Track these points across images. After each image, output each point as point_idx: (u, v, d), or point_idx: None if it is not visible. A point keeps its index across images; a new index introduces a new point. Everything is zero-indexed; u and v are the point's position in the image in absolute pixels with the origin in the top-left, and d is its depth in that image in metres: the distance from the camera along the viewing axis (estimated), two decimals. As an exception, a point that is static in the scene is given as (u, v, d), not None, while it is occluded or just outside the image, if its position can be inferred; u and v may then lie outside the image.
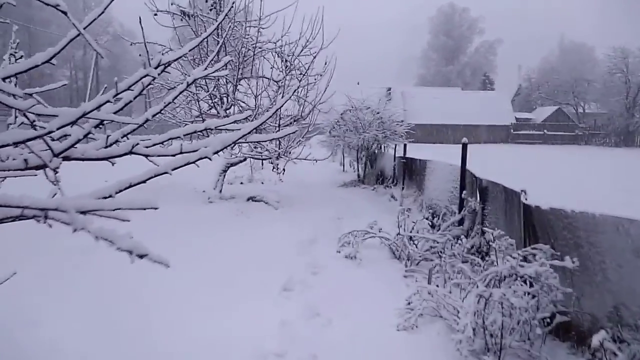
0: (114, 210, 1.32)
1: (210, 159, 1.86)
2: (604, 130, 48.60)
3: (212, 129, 2.10)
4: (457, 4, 73.49)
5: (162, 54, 2.01)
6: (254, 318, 4.09)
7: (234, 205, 8.78)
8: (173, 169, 1.80)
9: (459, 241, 5.52)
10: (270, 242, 6.58)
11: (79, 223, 1.22)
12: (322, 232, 7.29)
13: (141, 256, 1.26)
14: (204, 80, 9.91)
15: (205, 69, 2.44)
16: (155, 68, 1.71)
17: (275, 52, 10.26)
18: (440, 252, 5.34)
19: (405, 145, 10.35)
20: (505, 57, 74.48)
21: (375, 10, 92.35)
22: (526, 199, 4.09)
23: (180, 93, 2.36)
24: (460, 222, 6.05)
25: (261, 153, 8.98)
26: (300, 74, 9.71)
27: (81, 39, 1.48)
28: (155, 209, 1.44)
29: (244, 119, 2.06)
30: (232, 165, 9.64)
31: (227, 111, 10.02)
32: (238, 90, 10.52)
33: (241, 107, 10.52)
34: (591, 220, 3.32)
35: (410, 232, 5.78)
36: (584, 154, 34.07)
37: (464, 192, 5.79)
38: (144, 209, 1.46)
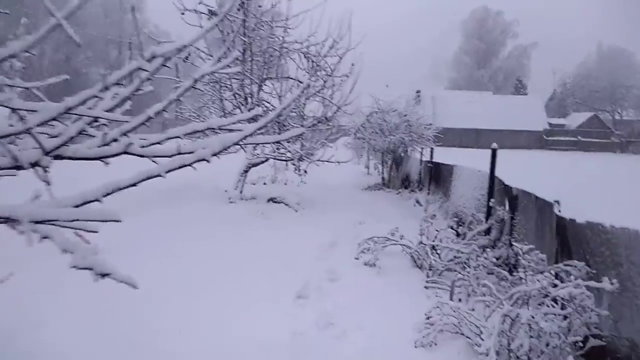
0: (72, 221, 1.17)
1: (208, 161, 1.71)
2: (643, 138, 46.72)
3: (215, 129, 1.95)
4: (490, 7, 72.09)
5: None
6: (265, 326, 3.94)
7: (255, 205, 8.67)
8: (167, 171, 1.65)
9: (485, 252, 5.24)
10: (288, 244, 6.42)
11: (39, 232, 1.08)
12: (342, 237, 7.10)
13: (103, 275, 1.11)
14: (229, 80, 9.86)
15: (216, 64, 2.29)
16: (149, 61, 1.56)
17: (302, 52, 10.13)
18: (465, 262, 5.07)
19: (432, 149, 10.04)
20: (540, 61, 72.61)
21: (405, 8, 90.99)
22: (560, 211, 3.81)
23: (186, 90, 2.22)
24: (487, 231, 5.75)
25: (283, 154, 8.85)
26: (326, 74, 9.54)
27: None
28: (117, 221, 1.28)
29: (248, 119, 1.90)
30: (254, 165, 9.54)
31: (251, 111, 9.94)
32: (263, 90, 10.43)
33: (266, 107, 10.43)
34: (633, 237, 3.03)
35: (434, 240, 5.51)
36: (620, 162, 32.72)
37: (492, 200, 5.50)
38: (105, 221, 1.29)
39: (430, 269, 5.14)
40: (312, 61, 9.90)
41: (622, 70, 57.02)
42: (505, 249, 5.09)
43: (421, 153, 11.52)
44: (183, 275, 4.93)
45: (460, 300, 4.18)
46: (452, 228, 7.56)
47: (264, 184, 13.53)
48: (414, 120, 12.98)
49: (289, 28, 10.21)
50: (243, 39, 10.05)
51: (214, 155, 1.72)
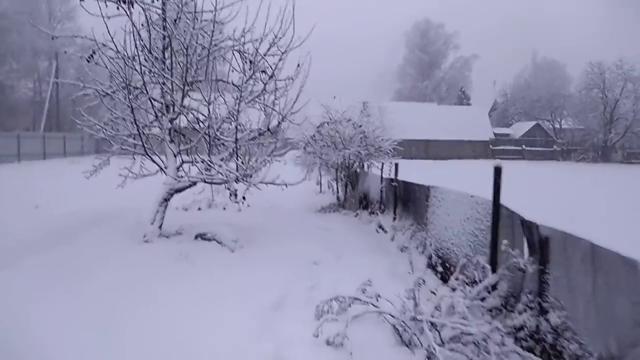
0: None
1: None
2: (582, 145, 48.27)
3: None
4: (432, 20, 73.36)
5: None
6: None
7: (177, 245, 6.62)
8: None
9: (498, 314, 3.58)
10: (213, 312, 4.48)
11: None
12: (292, 290, 5.23)
13: None
14: (143, 85, 7.78)
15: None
16: None
17: (236, 50, 8.26)
18: (477, 343, 3.35)
19: (396, 165, 8.42)
20: (480, 73, 74.56)
21: (351, 25, 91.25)
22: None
23: None
24: (495, 285, 4.09)
25: (213, 176, 6.88)
26: (267, 75, 7.74)
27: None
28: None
29: None
30: (178, 191, 7.50)
31: (174, 122, 7.91)
32: (189, 96, 8.44)
33: (193, 116, 8.45)
34: None
35: (433, 315, 3.74)
36: (569, 170, 33.09)
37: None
38: None
39: (428, 355, 3.36)
40: (250, 61, 8.05)
41: (558, 81, 59.21)
42: (535, 319, 3.42)
43: (381, 169, 9.91)
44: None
45: None
46: (433, 268, 5.89)
47: (199, 209, 11.44)
48: (369, 132, 11.39)
49: (221, 23, 8.34)
50: (162, 32, 8.06)
51: None
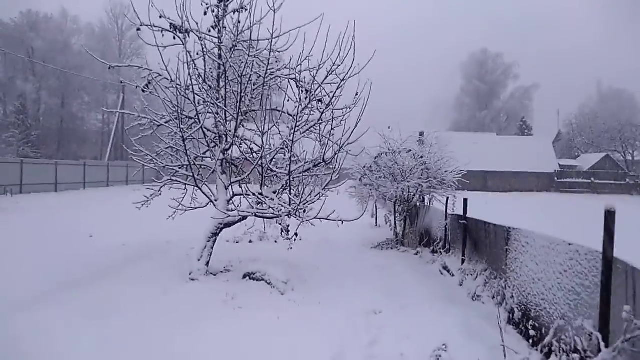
0: None
1: None
2: (659, 178, 44.42)
3: None
4: (490, 49, 71.68)
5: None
6: None
7: (223, 285, 6.12)
8: None
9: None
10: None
11: None
12: (348, 345, 4.53)
13: None
14: (196, 115, 7.53)
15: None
16: None
17: (292, 79, 7.90)
18: None
19: (465, 200, 7.58)
20: (541, 102, 71.55)
21: (403, 56, 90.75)
22: None
23: None
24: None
25: (265, 211, 6.38)
26: (323, 104, 7.28)
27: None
28: None
29: None
30: (228, 225, 7.07)
31: (226, 153, 7.58)
32: (243, 126, 8.14)
33: (247, 146, 8.10)
34: None
35: None
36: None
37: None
38: None
39: None
40: (306, 90, 7.64)
41: (627, 110, 55.50)
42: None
43: (445, 204, 9.07)
44: None
45: None
46: (516, 325, 5.00)
47: (250, 241, 11.02)
48: (431, 163, 10.61)
49: (278, 51, 8.03)
50: (217, 61, 7.86)
51: None
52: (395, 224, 11.85)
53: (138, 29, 7.58)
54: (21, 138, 37.84)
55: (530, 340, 4.59)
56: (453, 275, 7.58)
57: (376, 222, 15.31)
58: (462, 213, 7.70)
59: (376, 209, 15.95)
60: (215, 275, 6.61)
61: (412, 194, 10.92)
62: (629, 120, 52.84)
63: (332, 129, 7.56)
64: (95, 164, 33.89)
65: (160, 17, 7.51)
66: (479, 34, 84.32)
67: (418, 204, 11.20)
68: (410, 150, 10.70)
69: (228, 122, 7.70)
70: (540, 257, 4.52)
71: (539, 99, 71.72)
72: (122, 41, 56.50)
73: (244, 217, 7.04)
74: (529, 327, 4.64)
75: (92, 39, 54.61)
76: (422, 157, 10.59)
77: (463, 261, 7.37)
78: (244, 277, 6.40)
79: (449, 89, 75.06)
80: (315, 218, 6.53)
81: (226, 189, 7.32)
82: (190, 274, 6.37)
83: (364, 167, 11.15)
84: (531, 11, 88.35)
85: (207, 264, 6.59)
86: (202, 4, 7.68)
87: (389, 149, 10.78)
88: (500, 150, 45.48)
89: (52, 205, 18.36)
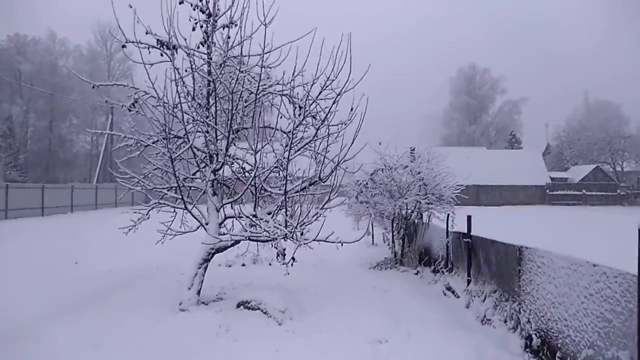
0: None
1: None
2: (650, 189, 44.67)
3: None
4: (477, 64, 72.48)
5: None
6: None
7: (216, 316, 5.68)
8: None
9: None
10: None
11: None
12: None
13: None
14: (185, 134, 7.17)
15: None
16: None
17: (285, 95, 7.60)
18: None
19: (469, 218, 7.25)
20: (529, 115, 72.16)
21: (392, 69, 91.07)
22: None
23: None
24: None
25: (260, 234, 5.99)
26: (318, 120, 6.98)
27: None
28: None
29: None
30: (220, 250, 6.66)
31: (217, 173, 7.21)
32: (234, 144, 7.80)
33: (238, 165, 7.76)
34: None
35: None
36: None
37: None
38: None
39: None
40: (299, 106, 7.34)
41: (614, 121, 56.11)
42: None
43: (446, 220, 8.73)
44: None
45: None
46: (534, 353, 4.63)
47: (243, 265, 10.57)
48: (430, 179, 10.32)
49: (269, 67, 7.74)
50: (207, 78, 7.55)
51: None
52: (393, 242, 11.49)
53: (123, 46, 7.24)
54: (8, 162, 37.09)
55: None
56: (458, 297, 7.21)
57: (373, 241, 14.94)
58: (465, 230, 7.36)
59: (372, 227, 15.58)
60: (207, 304, 6.17)
61: (410, 210, 10.61)
62: (617, 131, 53.39)
63: (327, 145, 7.26)
64: (83, 187, 33.22)
65: (147, 33, 7.19)
66: (470, 43, 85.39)
67: (416, 221, 10.87)
68: (407, 166, 10.41)
69: (219, 141, 7.36)
70: (560, 279, 4.18)
71: (527, 113, 72.39)
72: (111, 63, 56.24)
73: (237, 242, 6.64)
74: (550, 356, 4.28)
75: (81, 61, 54.25)
76: (419, 172, 10.30)
77: (469, 281, 7.00)
78: (238, 306, 5.97)
79: (439, 101, 75.41)
80: (313, 240, 6.15)
81: (217, 211, 6.94)
82: (180, 304, 5.93)
83: (360, 184, 10.83)
84: (518, 24, 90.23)
85: (199, 292, 6.16)
86: (190, 19, 7.37)
87: (385, 165, 10.48)
88: (491, 164, 45.49)
89: (36, 231, 17.75)
